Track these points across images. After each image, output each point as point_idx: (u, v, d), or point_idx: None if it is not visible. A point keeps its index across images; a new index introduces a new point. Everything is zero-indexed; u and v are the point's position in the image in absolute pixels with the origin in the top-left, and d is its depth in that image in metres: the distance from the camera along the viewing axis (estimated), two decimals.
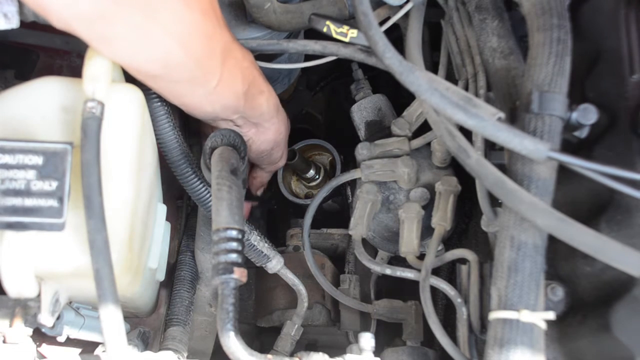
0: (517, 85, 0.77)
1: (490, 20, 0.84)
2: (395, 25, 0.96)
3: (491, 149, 0.82)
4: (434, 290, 0.88)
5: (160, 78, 0.77)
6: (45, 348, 0.89)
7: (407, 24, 0.90)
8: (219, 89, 0.81)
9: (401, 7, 0.91)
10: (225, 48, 0.80)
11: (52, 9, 0.64)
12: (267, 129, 0.97)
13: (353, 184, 1.10)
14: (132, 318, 1.01)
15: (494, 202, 0.77)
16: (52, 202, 0.67)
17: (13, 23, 0.74)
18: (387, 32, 0.87)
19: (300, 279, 1.02)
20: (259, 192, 1.17)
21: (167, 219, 0.94)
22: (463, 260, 0.88)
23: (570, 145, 0.74)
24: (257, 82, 0.89)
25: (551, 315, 0.67)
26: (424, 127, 1.02)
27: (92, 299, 0.78)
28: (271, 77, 1.13)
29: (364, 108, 1.11)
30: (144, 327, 1.00)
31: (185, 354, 0.98)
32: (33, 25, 0.80)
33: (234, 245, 0.70)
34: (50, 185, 0.67)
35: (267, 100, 0.92)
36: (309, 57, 1.01)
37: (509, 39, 0.82)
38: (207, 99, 0.83)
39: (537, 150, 0.64)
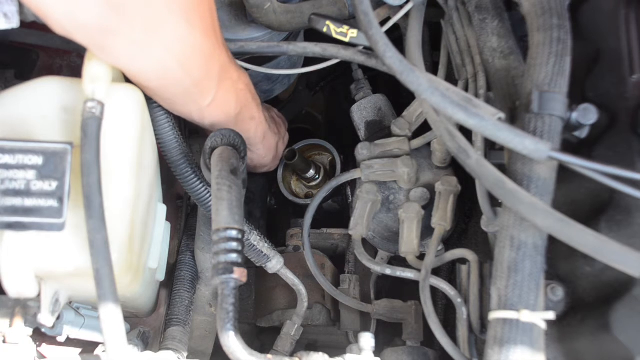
0: (517, 85, 0.77)
1: (490, 20, 0.84)
2: (395, 25, 0.96)
3: (491, 149, 0.82)
4: (434, 290, 0.88)
5: (155, 89, 0.77)
6: (45, 348, 0.89)
7: (407, 24, 0.90)
8: (211, 108, 0.83)
9: (401, 7, 0.91)
10: (222, 69, 0.81)
11: (53, 17, 0.64)
12: (251, 152, 1.00)
13: (353, 184, 1.10)
14: (132, 318, 1.01)
15: (494, 202, 0.77)
16: (52, 202, 0.67)
17: (13, 23, 0.74)
18: (388, 32, 0.87)
19: (300, 279, 1.02)
20: None
21: (167, 219, 0.94)
22: (463, 260, 0.88)
23: (570, 145, 0.74)
24: (249, 106, 0.90)
25: (551, 315, 0.67)
26: (424, 127, 1.02)
27: (92, 299, 0.78)
28: (271, 77, 1.13)
29: (364, 108, 1.11)
30: (144, 327, 1.00)
31: (185, 354, 0.98)
32: (33, 25, 0.80)
33: (234, 245, 0.70)
34: (50, 185, 0.67)
35: (256, 127, 0.94)
36: (309, 60, 1.01)
37: (509, 39, 0.82)
38: (198, 114, 0.84)
39: (538, 150, 0.64)
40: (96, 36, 0.66)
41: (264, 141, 1.00)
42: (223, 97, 0.83)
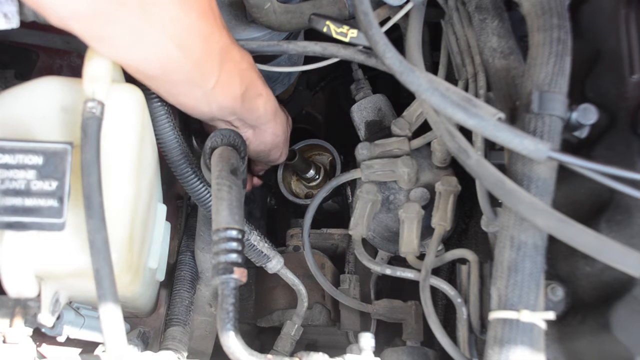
0: (517, 85, 0.77)
1: (490, 20, 0.84)
2: (395, 25, 0.96)
3: (491, 149, 0.82)
4: (434, 290, 0.88)
5: (157, 78, 0.77)
6: (45, 348, 0.89)
7: (407, 24, 0.90)
8: (216, 90, 0.81)
9: (401, 7, 0.91)
10: (223, 49, 0.80)
11: (49, 6, 0.64)
12: (264, 132, 0.97)
13: (353, 184, 1.10)
14: (132, 318, 1.01)
15: (494, 202, 0.77)
16: (52, 202, 0.67)
17: (13, 23, 0.74)
18: (387, 32, 0.87)
19: (300, 279, 1.02)
20: (261, 172, 1.18)
21: (167, 219, 0.94)
22: (463, 260, 0.88)
23: (570, 145, 0.74)
24: (255, 84, 0.89)
25: (551, 315, 0.67)
26: (424, 127, 1.02)
27: (92, 299, 0.78)
28: (271, 77, 1.13)
29: (364, 108, 1.11)
30: (144, 327, 1.00)
31: (185, 354, 0.98)
32: (33, 25, 0.80)
33: (234, 245, 0.70)
34: (50, 185, 0.67)
35: (264, 104, 0.92)
36: (309, 59, 1.01)
37: (509, 39, 0.82)
38: (204, 100, 0.83)
39: (538, 150, 0.64)
40: (92, 24, 0.66)
41: (276, 117, 0.97)
42: (227, 78, 0.82)
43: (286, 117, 1.04)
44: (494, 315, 0.66)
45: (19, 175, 0.67)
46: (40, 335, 0.81)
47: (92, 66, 0.69)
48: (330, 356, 0.76)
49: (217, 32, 0.78)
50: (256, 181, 1.19)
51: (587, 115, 0.70)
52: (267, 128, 0.97)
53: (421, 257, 0.95)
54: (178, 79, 0.77)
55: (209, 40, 0.77)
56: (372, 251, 1.07)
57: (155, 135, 0.83)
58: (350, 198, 1.13)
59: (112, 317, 0.65)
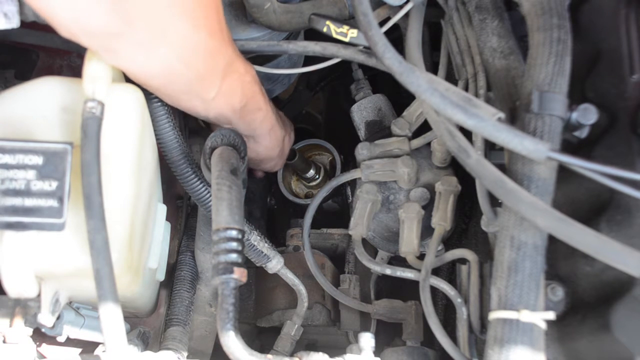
0: (517, 85, 0.77)
1: (490, 20, 0.84)
2: (395, 25, 0.96)
3: (491, 149, 0.82)
4: (434, 290, 0.88)
5: (158, 87, 0.78)
6: (45, 348, 0.89)
7: (407, 24, 0.90)
8: (216, 101, 0.83)
9: (401, 7, 0.91)
10: (228, 63, 0.81)
11: (60, 22, 0.64)
12: (258, 144, 0.99)
13: (353, 184, 1.10)
14: (132, 318, 1.01)
15: (494, 202, 0.78)
16: (52, 202, 0.67)
17: (13, 23, 0.74)
18: (387, 32, 0.87)
19: (300, 279, 1.02)
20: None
21: (167, 219, 0.94)
22: (463, 260, 0.88)
23: (570, 145, 0.74)
24: (256, 98, 0.90)
25: (551, 315, 0.67)
26: (424, 127, 1.02)
27: (92, 299, 0.78)
28: (271, 78, 1.13)
29: (364, 108, 1.11)
30: (144, 327, 1.00)
31: (185, 354, 0.98)
32: (33, 25, 0.80)
33: (234, 245, 0.70)
34: (50, 185, 0.67)
35: (262, 119, 0.94)
36: (309, 59, 1.01)
37: (509, 39, 0.82)
38: (203, 107, 0.84)
39: (538, 150, 0.64)
40: (102, 40, 0.67)
41: (271, 132, 0.99)
42: (228, 90, 0.83)
43: (284, 132, 1.05)
44: (494, 315, 0.66)
45: (19, 175, 0.67)
46: (40, 335, 0.81)
47: (92, 66, 0.69)
48: (330, 356, 0.76)
49: (223, 49, 0.79)
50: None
51: (587, 115, 0.70)
52: (261, 141, 0.99)
53: (421, 257, 0.95)
54: (179, 88, 0.78)
55: (214, 56, 0.78)
56: (372, 251, 1.07)
57: (155, 135, 0.83)
58: (350, 198, 1.13)
59: (112, 317, 0.65)
